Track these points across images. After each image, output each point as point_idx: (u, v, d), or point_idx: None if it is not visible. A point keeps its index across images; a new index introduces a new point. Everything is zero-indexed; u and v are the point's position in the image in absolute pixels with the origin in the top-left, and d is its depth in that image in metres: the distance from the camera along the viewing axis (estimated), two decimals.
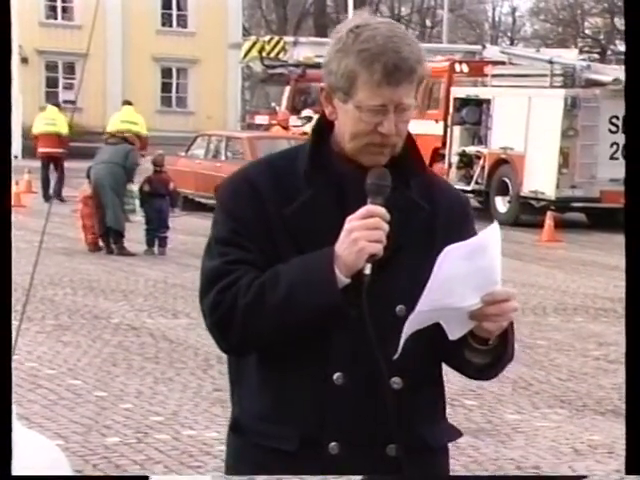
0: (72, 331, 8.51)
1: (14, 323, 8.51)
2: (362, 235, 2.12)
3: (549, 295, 11.14)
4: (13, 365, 7.10)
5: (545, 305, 10.52)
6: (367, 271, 2.14)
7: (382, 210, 2.15)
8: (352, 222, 2.15)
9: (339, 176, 2.25)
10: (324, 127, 2.30)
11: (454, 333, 2.19)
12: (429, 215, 2.28)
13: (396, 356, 2.17)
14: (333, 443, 2.23)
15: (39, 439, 2.74)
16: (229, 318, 2.19)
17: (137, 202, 13.39)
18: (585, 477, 5.35)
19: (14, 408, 2.77)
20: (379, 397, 2.22)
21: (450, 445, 2.41)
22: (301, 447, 2.23)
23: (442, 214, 2.30)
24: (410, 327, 2.16)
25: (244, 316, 2.18)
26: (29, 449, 2.43)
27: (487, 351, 2.23)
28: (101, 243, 13.06)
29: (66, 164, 18.02)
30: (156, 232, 13.25)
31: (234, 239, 2.24)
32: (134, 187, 13.46)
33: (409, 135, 2.30)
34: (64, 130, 19.90)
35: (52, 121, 20.17)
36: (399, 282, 2.22)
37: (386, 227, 2.15)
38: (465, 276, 2.12)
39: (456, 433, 2.42)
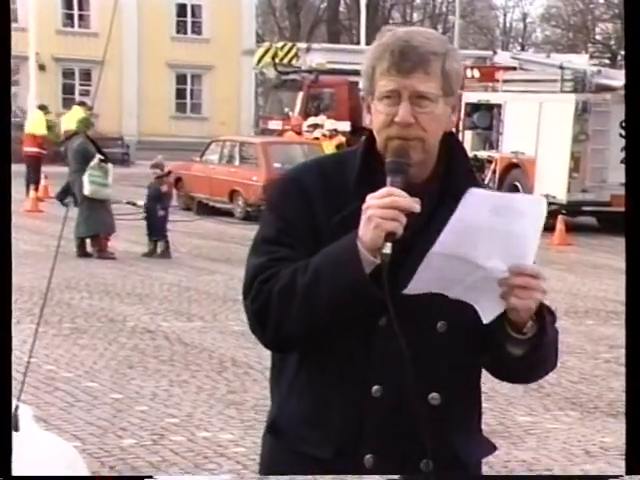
0: (88, 334, 8.53)
1: (31, 326, 8.49)
2: (376, 213, 2.09)
3: (560, 298, 11.11)
4: (31, 368, 7.08)
5: (556, 308, 10.48)
6: (386, 250, 2.10)
7: (399, 191, 2.11)
8: (369, 201, 2.12)
9: (384, 185, 2.19)
10: (374, 137, 2.27)
11: (486, 314, 2.14)
12: None
13: (407, 290, 2.10)
14: (368, 455, 2.20)
15: (57, 441, 2.75)
16: (267, 306, 2.17)
17: (110, 177, 12.98)
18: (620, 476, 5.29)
19: (32, 410, 2.77)
20: (416, 412, 2.18)
21: None
22: (336, 456, 2.20)
23: None
24: (426, 266, 2.10)
25: (278, 301, 2.16)
26: (47, 451, 2.44)
27: (524, 341, 2.17)
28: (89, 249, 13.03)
29: None
30: (156, 236, 13.17)
31: (281, 238, 2.23)
32: (96, 159, 12.85)
33: (459, 145, 2.26)
34: (38, 131, 20.99)
35: (33, 122, 21.62)
36: (438, 298, 2.16)
37: (404, 204, 2.10)
38: (490, 232, 2.08)
39: (491, 448, 2.40)
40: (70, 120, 20.54)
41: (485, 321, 2.15)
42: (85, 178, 12.75)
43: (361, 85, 2.29)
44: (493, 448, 2.40)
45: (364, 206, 2.12)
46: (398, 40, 2.17)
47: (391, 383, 2.19)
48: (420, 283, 2.12)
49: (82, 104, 22.59)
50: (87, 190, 12.74)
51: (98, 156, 12.91)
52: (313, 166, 2.34)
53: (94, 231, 12.93)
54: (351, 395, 2.20)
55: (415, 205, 2.11)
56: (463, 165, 2.28)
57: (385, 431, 2.20)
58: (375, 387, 2.19)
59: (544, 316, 2.20)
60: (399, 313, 2.14)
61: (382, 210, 2.09)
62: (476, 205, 2.08)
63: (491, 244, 2.09)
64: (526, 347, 2.18)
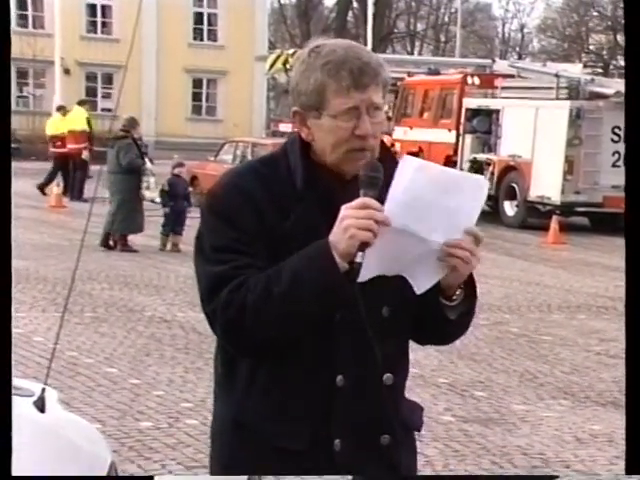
0: (109, 323, 8.55)
1: (56, 315, 8.48)
2: (353, 223, 2.08)
3: (554, 293, 11.10)
4: (55, 354, 7.07)
5: (550, 303, 10.49)
6: (359, 259, 2.09)
7: (375, 203, 2.11)
8: (346, 211, 2.11)
9: (328, 190, 2.21)
10: (305, 144, 2.25)
11: (421, 285, 2.17)
12: None
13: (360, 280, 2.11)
14: (337, 440, 2.25)
15: (80, 421, 2.76)
16: (241, 316, 2.13)
17: (152, 179, 13.28)
18: (557, 477, 5.29)
19: (57, 394, 2.79)
20: (374, 394, 2.25)
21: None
22: (310, 445, 2.23)
23: None
24: (376, 247, 2.09)
25: (254, 310, 2.12)
26: (74, 430, 2.45)
27: (453, 307, 2.25)
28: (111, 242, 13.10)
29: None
30: (173, 230, 13.23)
31: (236, 247, 2.18)
32: (147, 165, 13.22)
33: (383, 142, 2.27)
34: (51, 131, 21.28)
35: (53, 124, 21.61)
36: (380, 286, 2.19)
37: (379, 217, 2.09)
38: (435, 207, 2.08)
39: (419, 409, 2.46)
40: (73, 120, 20.47)
41: (419, 292, 2.19)
42: (144, 184, 13.06)
43: (297, 100, 2.21)
44: (421, 409, 2.47)
45: (340, 215, 2.10)
46: (351, 58, 2.17)
47: (351, 372, 2.23)
48: (368, 270, 2.12)
49: (83, 103, 22.33)
50: (144, 195, 13.09)
51: (148, 163, 13.15)
52: (247, 170, 2.29)
53: (127, 230, 13.02)
54: (318, 387, 2.22)
55: (388, 218, 2.10)
56: (388, 156, 2.28)
57: (349, 415, 2.24)
58: (339, 377, 2.22)
59: (474, 285, 2.27)
60: (353, 305, 2.17)
61: (358, 220, 2.08)
62: (412, 174, 2.08)
63: (434, 217, 2.10)
64: (456, 312, 2.25)
